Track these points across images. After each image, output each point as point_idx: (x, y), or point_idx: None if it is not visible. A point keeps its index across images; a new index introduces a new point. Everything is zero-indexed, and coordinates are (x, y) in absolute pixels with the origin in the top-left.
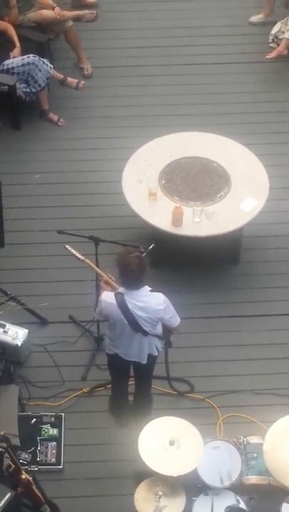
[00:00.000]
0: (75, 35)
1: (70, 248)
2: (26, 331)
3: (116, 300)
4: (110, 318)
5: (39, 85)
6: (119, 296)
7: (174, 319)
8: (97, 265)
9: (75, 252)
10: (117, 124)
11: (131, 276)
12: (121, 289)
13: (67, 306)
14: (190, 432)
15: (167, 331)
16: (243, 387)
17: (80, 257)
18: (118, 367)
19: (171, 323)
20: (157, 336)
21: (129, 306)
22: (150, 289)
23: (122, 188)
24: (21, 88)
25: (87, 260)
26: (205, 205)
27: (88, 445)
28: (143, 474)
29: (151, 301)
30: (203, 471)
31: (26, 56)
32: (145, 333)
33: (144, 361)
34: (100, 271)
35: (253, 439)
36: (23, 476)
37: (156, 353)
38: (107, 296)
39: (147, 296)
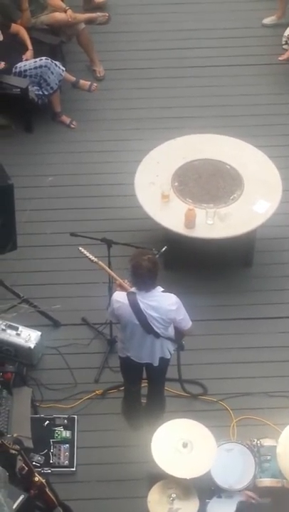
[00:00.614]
0: (87, 38)
1: (83, 250)
2: (39, 333)
3: (128, 300)
4: (122, 318)
5: (51, 88)
6: (131, 296)
7: (186, 321)
8: (110, 267)
9: (88, 254)
10: (129, 127)
11: (143, 278)
12: (134, 289)
13: (79, 308)
14: (203, 434)
15: (179, 334)
16: (256, 389)
17: (93, 259)
18: (130, 370)
19: (182, 325)
20: (169, 338)
21: (142, 306)
22: (162, 289)
23: (134, 190)
24: (34, 91)
25: (101, 262)
26: (218, 207)
27: (101, 447)
28: (156, 477)
29: (163, 301)
30: (217, 473)
31: (39, 59)
32: (157, 335)
33: (156, 363)
34: (113, 273)
35: (267, 442)
36: (36, 479)
37: (168, 356)
38: (120, 296)
39: (159, 296)
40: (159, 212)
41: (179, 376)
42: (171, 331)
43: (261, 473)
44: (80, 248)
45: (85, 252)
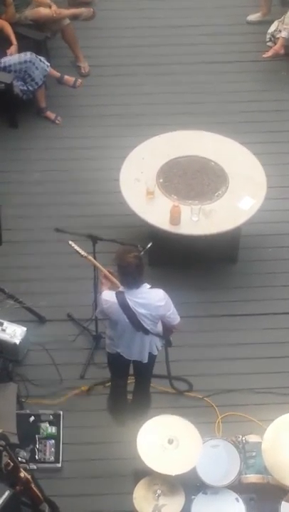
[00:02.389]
0: (71, 34)
1: (73, 244)
2: (24, 329)
3: (117, 299)
4: (111, 317)
5: (36, 83)
6: (120, 295)
7: (175, 316)
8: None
9: (78, 249)
10: (114, 123)
11: (130, 276)
12: (121, 288)
13: (65, 304)
14: (189, 430)
15: (167, 330)
16: (241, 385)
17: (83, 253)
18: (118, 366)
19: (172, 319)
20: (158, 334)
21: (130, 304)
22: (149, 286)
23: (119, 187)
24: (18, 86)
25: (90, 257)
26: (203, 203)
27: (87, 443)
28: (142, 473)
29: (151, 298)
30: (202, 469)
31: (23, 54)
32: (146, 332)
33: (146, 360)
34: (102, 268)
35: (252, 438)
36: (22, 474)
37: (156, 352)
38: (108, 296)
39: (147, 293)
40: (144, 208)
41: (167, 372)
42: (159, 327)
43: (246, 469)
44: (70, 242)
45: (75, 247)
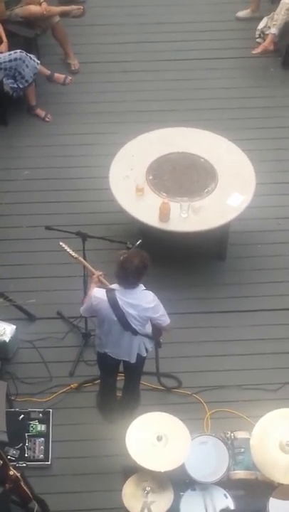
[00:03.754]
0: (62, 31)
1: (64, 245)
2: (14, 327)
3: (107, 297)
4: (99, 314)
5: (26, 81)
6: (110, 293)
7: (165, 318)
8: (85, 260)
9: (69, 250)
10: (104, 120)
11: (127, 274)
12: (114, 286)
13: (55, 302)
14: (177, 427)
15: (157, 331)
16: (230, 382)
17: (73, 254)
18: (107, 365)
19: (161, 321)
20: (147, 335)
21: (120, 303)
22: (144, 288)
23: (109, 184)
24: (8, 84)
25: (81, 258)
26: (192, 200)
27: (76, 441)
28: (131, 470)
29: (140, 299)
30: (191, 466)
31: (13, 52)
32: (135, 333)
33: (134, 361)
34: (92, 269)
35: (240, 434)
36: (11, 472)
37: (144, 354)
38: (99, 293)
39: (138, 294)
40: (133, 205)
41: (156, 370)
42: (148, 328)
43: (235, 465)
44: (61, 243)
45: (66, 248)
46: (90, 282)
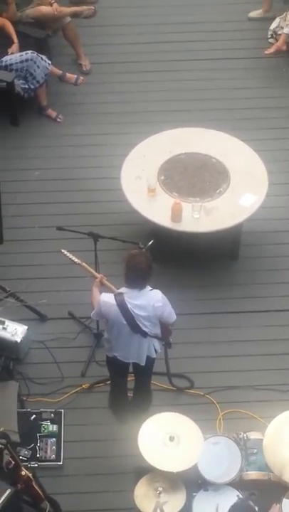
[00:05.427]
0: (73, 32)
1: (66, 252)
2: (25, 327)
3: (116, 300)
4: (108, 319)
5: (37, 82)
6: (119, 297)
7: (172, 315)
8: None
9: (71, 256)
10: (115, 121)
11: (137, 277)
12: (122, 289)
13: (66, 302)
14: (190, 427)
15: (167, 332)
16: (242, 382)
17: (76, 261)
18: (117, 367)
19: (168, 319)
20: (156, 336)
21: (129, 306)
22: (150, 288)
23: (121, 185)
24: (20, 85)
25: (84, 264)
26: (204, 201)
27: (88, 441)
28: (143, 470)
29: (149, 299)
30: (203, 466)
31: (24, 52)
32: (145, 335)
33: (143, 363)
34: (95, 273)
35: (253, 435)
36: (23, 473)
37: (154, 355)
38: (107, 297)
39: (145, 295)
40: (145, 206)
41: (167, 371)
42: (157, 329)
43: (248, 466)
44: (63, 251)
45: (68, 255)
46: (93, 285)
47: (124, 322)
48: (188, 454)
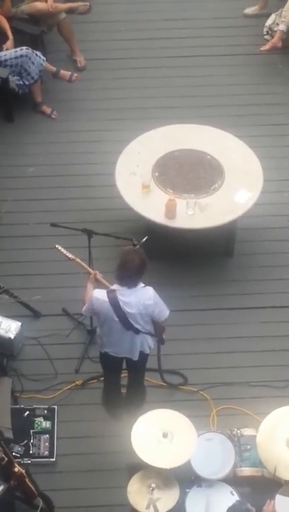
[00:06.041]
0: (68, 28)
1: (60, 248)
2: (19, 323)
3: (108, 297)
4: (100, 315)
5: (32, 78)
6: (111, 294)
7: (163, 313)
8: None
9: (65, 252)
10: (110, 117)
11: (130, 274)
12: (114, 286)
13: (60, 299)
14: (183, 424)
15: (160, 328)
16: (236, 379)
17: (70, 256)
18: (110, 363)
19: (160, 316)
20: (149, 333)
21: (121, 303)
22: (143, 285)
23: (115, 181)
24: (14, 81)
25: (78, 260)
26: (199, 197)
27: (81, 438)
28: (136, 467)
29: (141, 296)
30: (197, 463)
31: (19, 48)
32: (137, 331)
33: (136, 358)
34: (89, 269)
35: (247, 431)
36: (16, 469)
37: (147, 351)
38: (99, 294)
39: (137, 292)
40: (139, 202)
41: (158, 367)
42: (150, 326)
43: (241, 462)
44: (57, 246)
45: (63, 250)
46: (87, 281)
47: (116, 319)
48: (181, 450)
